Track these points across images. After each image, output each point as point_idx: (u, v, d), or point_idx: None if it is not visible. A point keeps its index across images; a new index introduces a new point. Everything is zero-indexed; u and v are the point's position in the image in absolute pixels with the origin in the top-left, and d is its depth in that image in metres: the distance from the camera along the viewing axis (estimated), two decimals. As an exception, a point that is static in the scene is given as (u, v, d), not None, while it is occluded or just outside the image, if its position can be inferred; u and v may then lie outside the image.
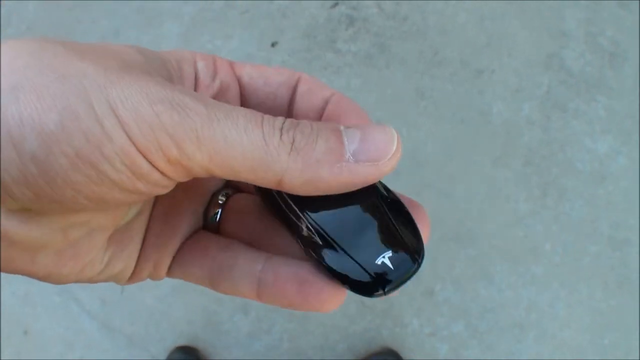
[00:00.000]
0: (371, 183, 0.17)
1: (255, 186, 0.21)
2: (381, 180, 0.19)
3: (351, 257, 0.18)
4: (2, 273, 0.16)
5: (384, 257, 0.18)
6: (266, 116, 0.16)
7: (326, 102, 0.21)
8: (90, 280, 0.19)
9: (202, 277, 0.20)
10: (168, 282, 0.99)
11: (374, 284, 0.18)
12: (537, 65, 1.03)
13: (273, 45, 1.07)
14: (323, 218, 0.18)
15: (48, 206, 0.15)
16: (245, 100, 0.21)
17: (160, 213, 0.20)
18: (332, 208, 0.18)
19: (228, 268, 0.19)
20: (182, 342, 0.98)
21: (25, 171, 0.14)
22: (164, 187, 0.16)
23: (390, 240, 0.18)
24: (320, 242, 0.18)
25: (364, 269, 0.18)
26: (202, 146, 0.15)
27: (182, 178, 0.16)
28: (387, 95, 1.04)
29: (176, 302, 0.99)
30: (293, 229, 0.19)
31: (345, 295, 0.18)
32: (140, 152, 0.14)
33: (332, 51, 1.06)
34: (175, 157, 0.15)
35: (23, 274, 0.17)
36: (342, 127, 0.17)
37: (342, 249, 0.18)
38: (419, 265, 0.18)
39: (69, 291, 1.00)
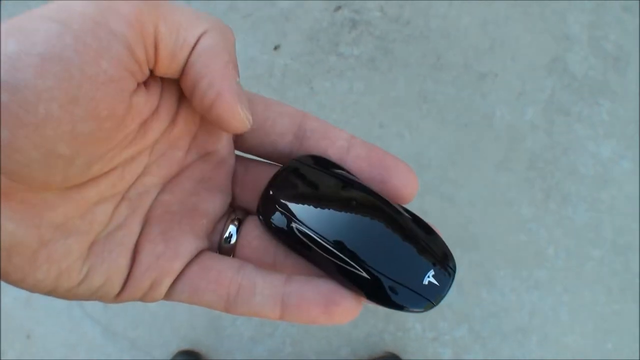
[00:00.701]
0: (228, 119, 0.18)
1: (263, 216, 0.21)
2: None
3: (402, 285, 0.19)
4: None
5: (428, 276, 0.19)
6: None
7: (349, 143, 0.21)
8: (69, 293, 0.18)
9: (214, 303, 0.20)
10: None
11: (428, 303, 0.19)
12: (540, 69, 1.03)
13: (276, 48, 1.07)
14: (358, 245, 0.19)
15: (29, 152, 0.14)
16: None
17: (157, 233, 0.20)
18: (363, 233, 0.19)
19: (247, 293, 0.19)
20: (185, 346, 0.98)
21: None
22: (128, 70, 0.16)
23: (429, 258, 0.20)
24: (368, 277, 0.19)
25: (418, 294, 0.19)
26: (156, 6, 0.17)
27: (140, 52, 0.16)
28: (390, 99, 1.04)
29: (179, 307, 0.99)
30: (319, 259, 0.19)
31: (357, 311, 0.19)
32: (100, 23, 0.15)
33: (335, 54, 1.06)
34: (133, 14, 0.16)
35: None
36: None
37: (391, 279, 0.19)
38: (454, 273, 0.20)
39: (71, 295, 1.00)
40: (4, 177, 0.15)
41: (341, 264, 0.19)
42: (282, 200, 0.20)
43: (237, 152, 0.23)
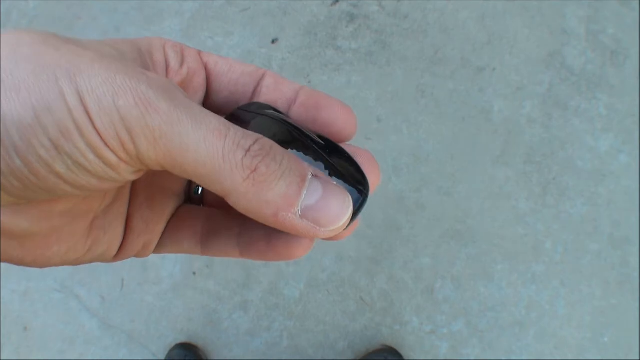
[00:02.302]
0: (304, 237, 0.18)
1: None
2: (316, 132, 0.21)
3: None
4: (1, 271, 0.17)
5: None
6: (234, 130, 0.16)
7: (296, 93, 0.22)
8: (75, 262, 0.20)
9: (191, 248, 0.22)
10: (168, 280, 0.99)
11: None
12: (538, 63, 1.03)
13: (273, 42, 1.07)
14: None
15: (36, 194, 0.15)
16: (210, 86, 0.22)
17: (143, 200, 0.22)
18: None
19: (214, 235, 0.22)
20: (182, 339, 0.98)
21: (12, 164, 0.14)
22: (136, 173, 0.17)
23: (338, 178, 0.19)
24: None
25: None
26: (157, 145, 0.15)
27: (144, 170, 0.16)
28: (388, 93, 1.04)
29: (176, 300, 0.99)
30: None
31: (311, 245, 0.20)
32: (106, 145, 0.15)
33: (332, 48, 1.06)
34: (132, 151, 0.15)
35: (11, 260, 0.18)
36: (310, 176, 0.17)
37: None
38: (367, 195, 0.19)
39: (69, 288, 1.00)
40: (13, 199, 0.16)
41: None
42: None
43: None
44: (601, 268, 0.96)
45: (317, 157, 0.19)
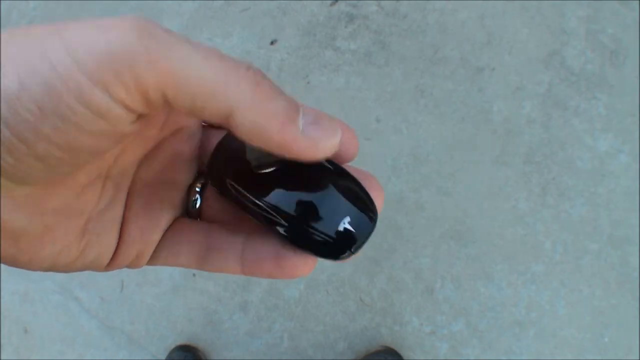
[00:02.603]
0: (304, 159, 0.17)
1: (211, 181, 0.22)
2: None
3: (317, 230, 0.20)
4: (1, 272, 0.18)
5: (344, 223, 0.20)
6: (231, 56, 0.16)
7: None
8: (67, 267, 0.20)
9: (188, 262, 0.22)
10: (168, 281, 0.99)
11: (342, 248, 0.20)
12: (537, 63, 1.03)
13: (272, 42, 1.07)
14: (280, 199, 0.20)
15: (29, 169, 0.15)
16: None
17: (140, 205, 0.22)
18: (284, 188, 0.20)
19: (214, 250, 0.21)
20: (182, 340, 0.98)
21: (2, 137, 0.14)
22: (128, 122, 0.16)
23: (346, 206, 0.20)
24: (284, 222, 0.20)
25: (331, 238, 0.20)
26: (157, 66, 0.15)
27: (142, 108, 0.16)
28: (387, 93, 1.04)
29: (176, 301, 0.99)
30: (254, 214, 0.21)
31: (315, 262, 0.21)
32: (97, 86, 0.14)
33: (331, 49, 1.06)
34: (130, 80, 0.15)
35: (6, 259, 0.18)
36: (301, 106, 0.17)
37: (307, 224, 0.20)
38: (375, 222, 0.21)
39: (68, 290, 1.00)
40: (8, 182, 0.16)
41: (265, 214, 0.20)
42: (221, 165, 0.22)
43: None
44: (601, 268, 0.96)
45: (328, 181, 0.20)
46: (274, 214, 0.20)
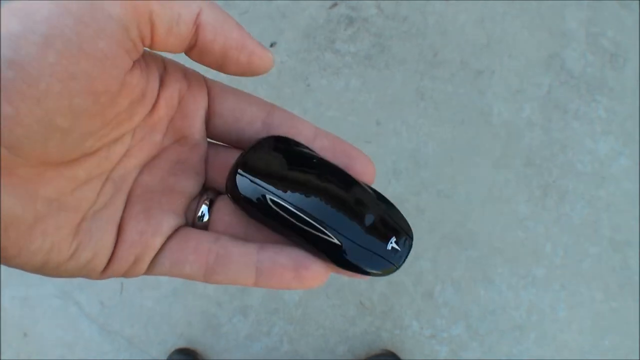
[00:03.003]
0: (258, 64, 0.21)
1: (236, 197, 0.22)
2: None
3: (369, 250, 0.21)
4: (1, 277, 0.17)
5: (391, 242, 0.22)
6: None
7: (314, 135, 0.23)
8: (59, 269, 0.19)
9: (194, 273, 0.21)
10: (168, 285, 0.99)
11: (392, 266, 0.22)
12: (537, 65, 1.03)
13: (272, 45, 1.06)
14: (331, 217, 0.21)
15: (30, 126, 0.16)
16: (214, 110, 0.23)
17: (139, 210, 0.21)
18: (333, 205, 0.21)
19: (224, 261, 0.21)
20: (181, 344, 0.98)
21: (5, 79, 0.15)
22: (122, 48, 0.17)
23: (391, 227, 0.22)
24: (339, 243, 0.20)
25: (383, 257, 0.21)
26: None
27: (134, 32, 0.18)
28: (387, 96, 1.03)
29: (175, 304, 0.99)
30: (297, 234, 0.21)
31: (329, 273, 0.21)
32: (96, 6, 0.16)
33: (331, 51, 1.06)
34: None
35: None
36: None
37: (360, 245, 0.21)
38: (412, 239, 0.23)
39: (68, 294, 1.00)
40: (5, 150, 0.16)
41: (313, 231, 0.20)
42: (251, 173, 0.21)
43: (209, 140, 0.24)
44: (602, 271, 0.96)
45: (373, 204, 0.22)
46: (324, 229, 0.20)
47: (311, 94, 1.04)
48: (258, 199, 0.21)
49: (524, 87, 1.02)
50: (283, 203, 0.20)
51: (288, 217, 0.20)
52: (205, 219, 0.23)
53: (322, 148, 0.22)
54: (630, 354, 0.93)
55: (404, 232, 0.22)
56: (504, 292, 0.97)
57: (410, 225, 0.23)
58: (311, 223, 0.20)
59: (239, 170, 0.21)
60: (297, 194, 0.20)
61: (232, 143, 0.24)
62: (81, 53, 0.16)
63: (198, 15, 0.19)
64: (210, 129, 0.23)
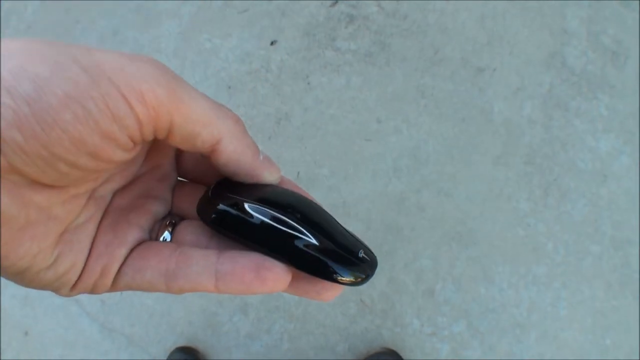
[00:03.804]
0: (262, 181, 0.23)
1: (209, 214, 0.23)
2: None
3: (344, 253, 0.21)
4: (1, 276, 0.18)
5: (361, 252, 0.22)
6: None
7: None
8: (39, 276, 0.20)
9: (155, 279, 0.21)
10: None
11: (363, 274, 0.22)
12: (538, 63, 1.03)
13: (272, 43, 1.06)
14: (308, 223, 0.21)
15: (33, 158, 0.16)
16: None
17: (108, 224, 0.22)
18: (309, 215, 0.22)
19: (184, 265, 0.21)
20: (182, 342, 0.98)
21: (19, 111, 0.15)
22: (131, 138, 0.18)
23: (358, 240, 0.23)
24: (317, 243, 0.21)
25: (356, 264, 0.22)
26: (173, 95, 0.18)
27: (149, 130, 0.18)
28: (388, 94, 1.03)
29: (176, 303, 0.99)
30: (272, 239, 0.21)
31: (290, 276, 0.21)
32: (123, 96, 0.17)
33: (331, 49, 1.06)
34: (151, 100, 0.18)
35: None
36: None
37: (335, 246, 0.21)
38: (377, 262, 0.23)
39: (68, 292, 1.00)
40: (5, 161, 0.16)
41: (289, 230, 0.21)
42: (226, 193, 0.23)
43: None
44: (603, 269, 0.96)
45: (340, 225, 0.23)
46: (307, 232, 0.21)
47: (311, 92, 1.04)
48: (234, 205, 0.22)
49: (524, 85, 1.02)
50: (260, 205, 0.21)
51: (265, 220, 0.21)
52: (168, 239, 0.24)
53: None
54: (632, 352, 0.93)
55: (369, 250, 0.23)
56: (505, 290, 0.97)
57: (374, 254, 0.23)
58: (289, 223, 0.21)
59: (213, 191, 0.23)
60: (271, 200, 0.22)
61: (197, 180, 0.26)
62: (96, 127, 0.17)
63: (218, 142, 0.20)
64: (182, 160, 0.26)
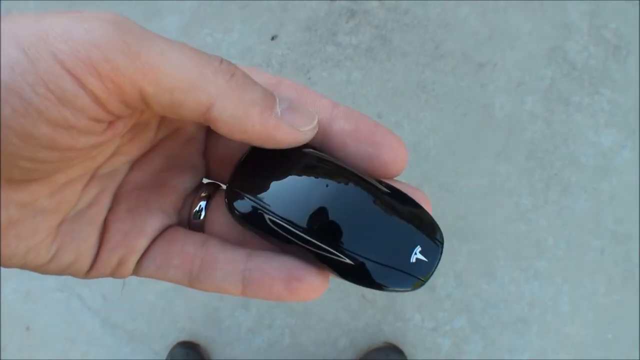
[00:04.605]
0: (285, 145, 0.17)
1: (234, 214, 0.20)
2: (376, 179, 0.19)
3: (389, 267, 0.18)
4: (2, 271, 0.17)
5: (415, 253, 0.19)
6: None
7: (330, 114, 0.20)
8: (41, 269, 0.18)
9: (178, 278, 0.20)
10: (169, 278, 0.99)
11: (418, 281, 0.19)
12: (540, 58, 1.02)
13: (273, 38, 1.06)
14: (340, 234, 0.18)
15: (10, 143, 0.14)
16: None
17: (126, 209, 0.20)
18: (342, 220, 0.18)
19: (209, 268, 0.19)
20: (183, 337, 0.98)
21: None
22: (94, 119, 0.15)
23: (414, 235, 0.19)
24: (352, 263, 0.18)
25: (406, 273, 0.18)
26: (136, 59, 0.15)
27: (115, 105, 0.15)
28: (389, 89, 1.03)
29: (177, 298, 0.99)
30: (303, 253, 0.19)
31: (326, 285, 0.19)
32: (69, 71, 0.14)
33: (332, 44, 1.05)
34: (107, 71, 0.14)
35: None
36: (276, 93, 0.18)
37: (376, 262, 0.18)
38: (443, 245, 0.19)
39: (70, 287, 1.00)
40: None
41: (320, 251, 0.18)
42: (247, 190, 0.19)
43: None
44: (604, 264, 0.96)
45: (388, 207, 0.19)
46: (332, 250, 0.18)
47: (312, 87, 1.04)
48: (256, 219, 0.19)
49: (526, 79, 1.02)
50: (284, 224, 0.18)
51: (291, 238, 0.18)
52: (202, 216, 0.21)
53: (341, 133, 0.19)
54: (633, 347, 0.93)
55: (430, 238, 0.19)
56: (506, 285, 0.97)
57: (439, 226, 0.20)
58: (317, 244, 0.18)
59: (234, 189, 0.19)
60: (298, 212, 0.18)
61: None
62: (40, 117, 0.14)
63: (209, 109, 0.16)
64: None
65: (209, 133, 0.22)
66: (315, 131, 0.18)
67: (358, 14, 1.06)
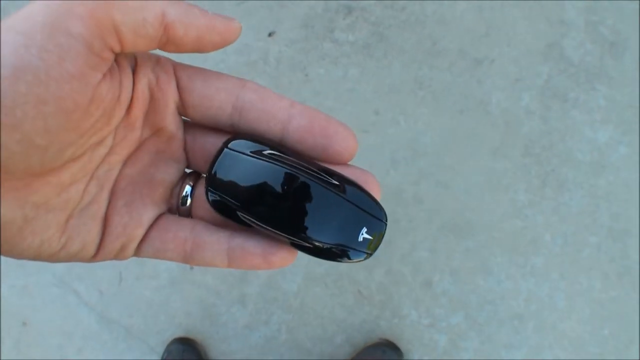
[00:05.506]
0: (230, 37, 0.22)
1: (218, 210, 0.23)
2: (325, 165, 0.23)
3: (341, 245, 0.22)
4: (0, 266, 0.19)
5: (362, 234, 0.22)
6: None
7: (288, 113, 0.23)
8: (52, 257, 0.21)
9: (174, 257, 0.24)
10: (166, 274, 0.99)
11: (366, 254, 0.23)
12: (536, 54, 1.02)
13: (270, 35, 1.06)
14: (298, 224, 0.22)
15: (9, 150, 0.17)
16: (185, 100, 0.24)
17: (123, 205, 0.23)
18: (298, 210, 0.22)
19: (199, 249, 0.23)
20: (180, 333, 0.98)
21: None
22: (89, 66, 0.18)
23: (359, 217, 0.22)
24: (310, 246, 0.22)
25: (356, 250, 0.22)
26: None
27: (98, 46, 0.18)
28: (385, 86, 1.03)
29: (174, 294, 0.99)
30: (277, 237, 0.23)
31: (295, 255, 0.23)
32: (60, 27, 0.17)
33: (329, 41, 1.06)
34: (85, 12, 0.17)
35: None
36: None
37: (330, 244, 0.22)
38: (386, 222, 0.23)
39: (67, 283, 1.00)
40: None
41: (285, 237, 0.22)
42: (221, 190, 0.23)
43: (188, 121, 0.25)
44: (601, 260, 0.96)
45: (336, 195, 0.22)
46: (293, 237, 0.22)
47: (309, 83, 1.04)
48: (231, 214, 0.23)
49: (522, 76, 1.02)
50: (254, 219, 0.22)
51: (261, 228, 0.22)
52: (188, 203, 0.25)
53: (298, 129, 0.23)
54: (630, 343, 0.93)
55: (375, 219, 0.23)
56: (503, 281, 0.97)
57: (382, 207, 0.23)
58: (278, 233, 0.22)
59: (210, 189, 0.23)
60: (263, 209, 0.22)
61: (211, 126, 0.25)
62: (49, 78, 0.17)
63: (163, 16, 0.19)
64: (187, 116, 0.25)
65: (187, 130, 0.25)
66: (240, 30, 0.22)
67: (355, 11, 1.06)
